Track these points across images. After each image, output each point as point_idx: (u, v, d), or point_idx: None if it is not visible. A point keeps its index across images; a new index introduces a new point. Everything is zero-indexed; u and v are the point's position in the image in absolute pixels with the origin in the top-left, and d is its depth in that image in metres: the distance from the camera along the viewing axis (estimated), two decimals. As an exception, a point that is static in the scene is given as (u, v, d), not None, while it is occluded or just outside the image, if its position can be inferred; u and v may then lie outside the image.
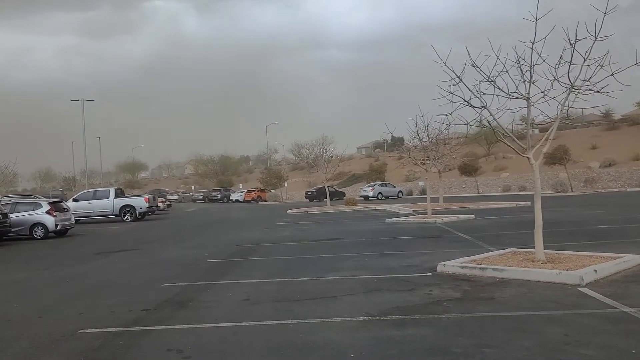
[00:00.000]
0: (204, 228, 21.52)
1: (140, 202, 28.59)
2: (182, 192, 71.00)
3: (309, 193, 50.80)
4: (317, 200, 46.97)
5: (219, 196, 62.40)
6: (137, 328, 5.58)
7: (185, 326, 5.57)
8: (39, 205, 19.41)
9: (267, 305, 6.41)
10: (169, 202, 43.42)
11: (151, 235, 19.10)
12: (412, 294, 6.53)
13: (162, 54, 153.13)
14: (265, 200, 55.91)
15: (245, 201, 56.23)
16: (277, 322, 5.51)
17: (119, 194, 29.27)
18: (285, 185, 60.44)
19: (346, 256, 10.36)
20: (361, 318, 5.48)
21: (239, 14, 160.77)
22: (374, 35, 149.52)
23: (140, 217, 28.11)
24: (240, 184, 73.18)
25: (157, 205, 31.71)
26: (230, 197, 60.54)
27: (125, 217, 27.58)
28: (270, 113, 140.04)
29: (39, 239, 18.52)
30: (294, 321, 5.49)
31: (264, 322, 5.53)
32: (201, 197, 65.04)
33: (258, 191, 58.16)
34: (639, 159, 43.25)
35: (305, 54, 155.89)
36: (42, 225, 18.77)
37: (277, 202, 53.16)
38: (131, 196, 31.96)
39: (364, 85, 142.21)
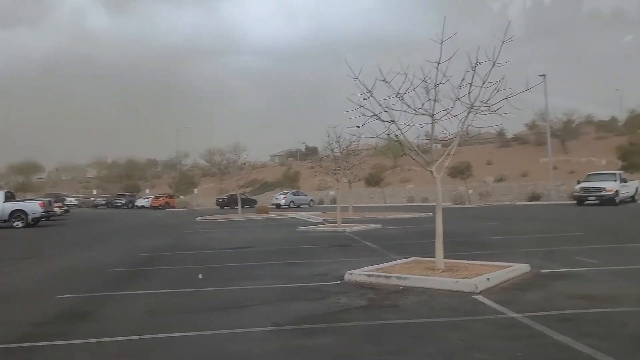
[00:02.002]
0: (105, 235, 20.36)
1: (33, 206, 26.46)
2: (82, 197, 66.86)
3: (220, 200, 49.90)
4: (229, 207, 46.25)
5: (123, 201, 59.47)
6: (25, 344, 5.15)
7: (82, 341, 5.22)
8: None
9: (172, 316, 6.20)
10: (67, 207, 40.60)
11: (45, 242, 17.74)
12: (320, 303, 6.63)
13: (66, 49, 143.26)
14: (174, 207, 54.12)
15: (152, 207, 54.03)
16: (183, 334, 5.34)
17: (9, 197, 26.96)
18: (196, 191, 58.92)
19: (256, 265, 10.29)
20: (270, 328, 5.46)
21: (153, 14, 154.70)
22: (290, 44, 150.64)
23: (33, 223, 26.03)
24: (147, 190, 70.20)
25: (53, 211, 29.53)
26: (136, 203, 57.87)
27: (16, 223, 25.41)
28: (182, 117, 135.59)
29: None
30: (200, 333, 5.36)
31: (169, 335, 5.33)
32: (104, 202, 61.61)
33: (166, 197, 56.14)
34: (527, 175, 47.24)
35: (221, 59, 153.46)
36: None
37: (186, 209, 51.63)
38: (23, 200, 29.55)
39: (280, 93, 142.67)
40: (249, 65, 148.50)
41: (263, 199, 51.68)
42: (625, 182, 31.05)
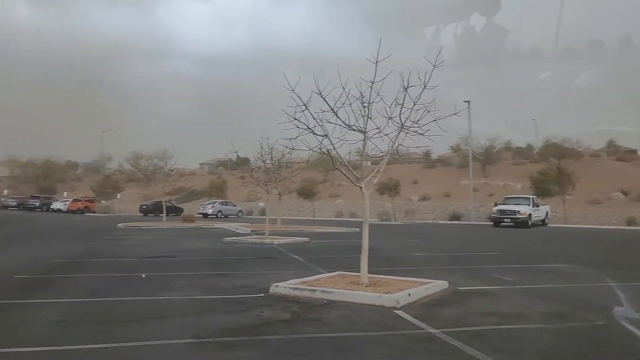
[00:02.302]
0: (13, 239, 18.96)
1: None
2: (-10, 197, 61.89)
3: (144, 207, 48.15)
4: (153, 214, 44.71)
5: (37, 204, 55.68)
6: None
7: (-20, 352, 4.81)
8: None
9: (84, 327, 5.85)
10: (-28, 207, 37.49)
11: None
12: (243, 315, 6.52)
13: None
14: (94, 212, 51.53)
15: (69, 211, 51.11)
16: (94, 345, 5.05)
17: None
18: (119, 196, 56.43)
19: (179, 275, 9.97)
20: (189, 340, 5.29)
21: (82, 10, 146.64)
22: (226, 53, 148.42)
23: None
24: (66, 192, 66.32)
25: (-45, 210, 27.15)
26: (52, 206, 54.47)
27: None
28: (109, 118, 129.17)
29: None
30: (113, 345, 5.09)
31: (79, 347, 5.02)
32: (15, 203, 57.34)
33: (86, 201, 53.33)
34: (449, 196, 49.38)
35: (154, 62, 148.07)
36: None
37: (107, 214, 49.34)
38: None
39: (213, 101, 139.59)
40: (182, 70, 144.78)
41: (190, 208, 50.38)
42: (538, 206, 33.23)
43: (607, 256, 15.83)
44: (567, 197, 36.70)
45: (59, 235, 21.33)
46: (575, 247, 19.30)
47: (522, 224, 30.51)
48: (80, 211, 51.19)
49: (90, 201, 53.82)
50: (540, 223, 33.14)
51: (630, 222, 34.75)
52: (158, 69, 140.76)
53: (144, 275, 9.50)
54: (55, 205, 54.41)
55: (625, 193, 42.28)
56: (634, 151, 63.79)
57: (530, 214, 31.18)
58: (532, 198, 33.43)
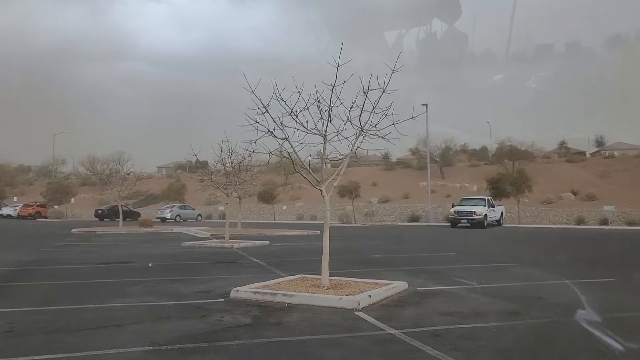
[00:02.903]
0: (-41, 246, 18.06)
1: None
2: None
3: (100, 211, 46.81)
4: (109, 219, 43.49)
5: (-15, 209, 53.27)
6: None
7: None
8: None
9: (35, 337, 5.63)
10: None
11: None
12: (203, 321, 6.42)
13: None
14: (46, 217, 49.70)
15: (20, 217, 49.14)
16: (46, 356, 4.86)
17: None
18: (72, 201, 54.59)
19: (136, 281, 9.72)
20: (147, 348, 5.17)
21: (34, 10, 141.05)
22: (183, 54, 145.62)
23: None
24: (16, 197, 63.64)
25: None
26: (1, 212, 52.22)
27: None
28: (63, 121, 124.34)
29: None
30: (66, 355, 4.91)
31: (29, 357, 4.82)
32: (-40, 208, 54.62)
33: (37, 206, 51.35)
34: (408, 197, 50.14)
35: (110, 63, 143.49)
36: None
37: (60, 220, 47.68)
38: None
39: (171, 103, 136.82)
40: (139, 71, 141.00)
41: (147, 212, 49.26)
42: (493, 207, 34.18)
43: (559, 255, 16.44)
44: (522, 199, 37.91)
45: (8, 242, 20.44)
46: (528, 246, 19.95)
47: (478, 224, 31.30)
48: (32, 216, 49.31)
49: (42, 206, 51.87)
50: (496, 223, 34.07)
51: (580, 221, 36.25)
52: (114, 70, 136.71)
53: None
54: (5, 210, 52.23)
55: (575, 193, 43.98)
56: (583, 153, 66.54)
57: (486, 215, 32.01)
58: (488, 199, 34.34)
